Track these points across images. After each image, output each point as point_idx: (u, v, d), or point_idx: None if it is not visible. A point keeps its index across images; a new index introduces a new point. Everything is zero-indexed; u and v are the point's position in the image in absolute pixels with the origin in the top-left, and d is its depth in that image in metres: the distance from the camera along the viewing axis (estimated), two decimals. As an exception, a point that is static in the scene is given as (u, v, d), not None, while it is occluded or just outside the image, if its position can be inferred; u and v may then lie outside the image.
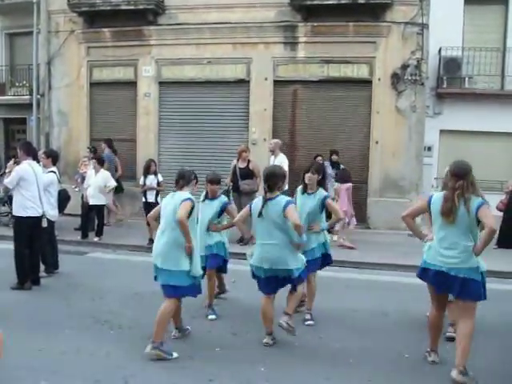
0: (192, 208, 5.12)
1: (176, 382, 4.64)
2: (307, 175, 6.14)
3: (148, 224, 7.17)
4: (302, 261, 5.47)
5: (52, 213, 8.17)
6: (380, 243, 11.36)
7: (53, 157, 8.62)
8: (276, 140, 11.79)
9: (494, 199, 10.07)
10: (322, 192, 6.14)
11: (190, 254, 5.12)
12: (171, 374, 4.76)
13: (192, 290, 5.24)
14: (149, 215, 5.76)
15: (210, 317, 6.35)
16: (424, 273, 4.89)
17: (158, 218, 5.51)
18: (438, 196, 4.77)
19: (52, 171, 8.34)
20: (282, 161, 10.96)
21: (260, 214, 5.25)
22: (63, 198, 9.20)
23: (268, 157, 11.81)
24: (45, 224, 7.66)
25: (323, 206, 6.08)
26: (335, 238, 11.31)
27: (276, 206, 5.23)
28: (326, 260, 6.35)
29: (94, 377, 4.61)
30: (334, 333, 5.96)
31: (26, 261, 7.54)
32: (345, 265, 9.42)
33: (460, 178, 4.53)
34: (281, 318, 5.44)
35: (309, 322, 6.22)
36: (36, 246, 7.68)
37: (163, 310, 5.12)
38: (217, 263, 6.48)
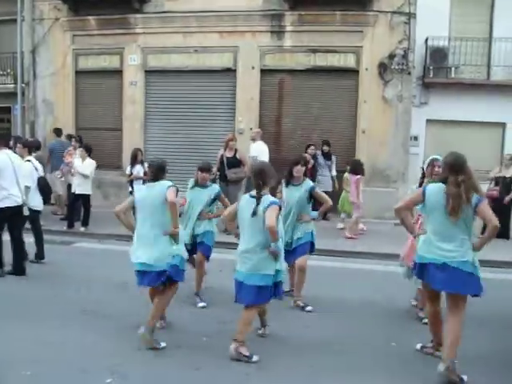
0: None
1: (163, 370, 4.63)
2: (296, 168, 6.25)
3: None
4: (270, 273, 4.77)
5: (37, 203, 8.15)
6: (366, 232, 11.41)
7: (29, 146, 8.74)
8: (258, 129, 12.43)
9: (482, 189, 10.13)
10: (308, 182, 6.32)
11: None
12: (158, 363, 4.76)
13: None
14: (117, 209, 5.35)
15: (200, 304, 6.38)
16: (422, 269, 4.62)
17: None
18: (435, 188, 4.52)
19: (28, 160, 8.32)
20: (259, 147, 11.63)
21: (254, 214, 4.74)
22: (43, 185, 8.92)
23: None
24: (26, 212, 7.64)
25: (311, 196, 6.24)
26: (341, 225, 11.60)
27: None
28: (311, 248, 6.46)
29: (80, 366, 4.59)
30: (321, 321, 5.99)
31: (2, 247, 7.54)
32: (332, 254, 9.48)
33: (459, 172, 4.36)
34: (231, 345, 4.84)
35: (308, 308, 6.26)
36: (16, 236, 7.64)
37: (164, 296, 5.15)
38: (205, 251, 6.51)
